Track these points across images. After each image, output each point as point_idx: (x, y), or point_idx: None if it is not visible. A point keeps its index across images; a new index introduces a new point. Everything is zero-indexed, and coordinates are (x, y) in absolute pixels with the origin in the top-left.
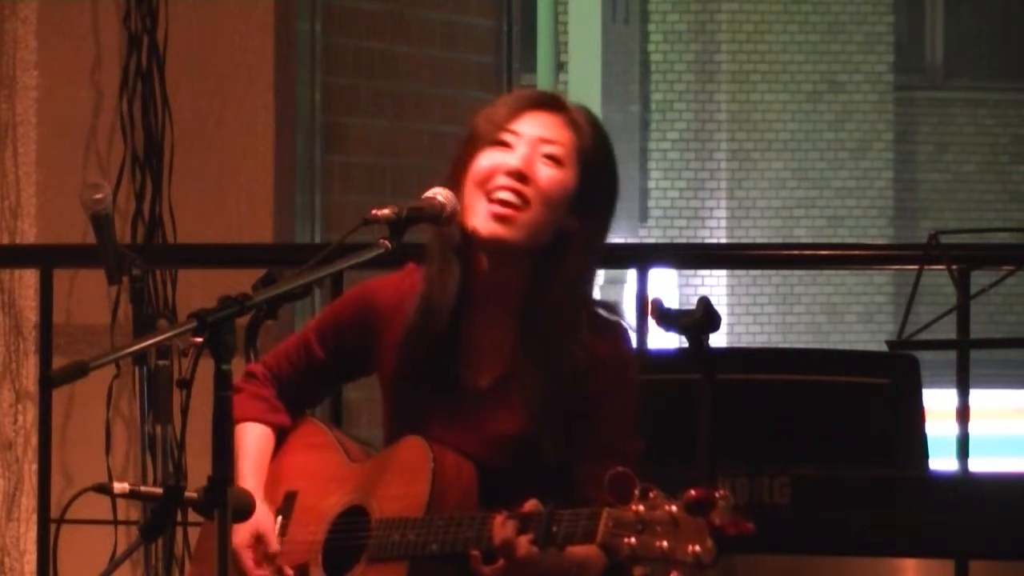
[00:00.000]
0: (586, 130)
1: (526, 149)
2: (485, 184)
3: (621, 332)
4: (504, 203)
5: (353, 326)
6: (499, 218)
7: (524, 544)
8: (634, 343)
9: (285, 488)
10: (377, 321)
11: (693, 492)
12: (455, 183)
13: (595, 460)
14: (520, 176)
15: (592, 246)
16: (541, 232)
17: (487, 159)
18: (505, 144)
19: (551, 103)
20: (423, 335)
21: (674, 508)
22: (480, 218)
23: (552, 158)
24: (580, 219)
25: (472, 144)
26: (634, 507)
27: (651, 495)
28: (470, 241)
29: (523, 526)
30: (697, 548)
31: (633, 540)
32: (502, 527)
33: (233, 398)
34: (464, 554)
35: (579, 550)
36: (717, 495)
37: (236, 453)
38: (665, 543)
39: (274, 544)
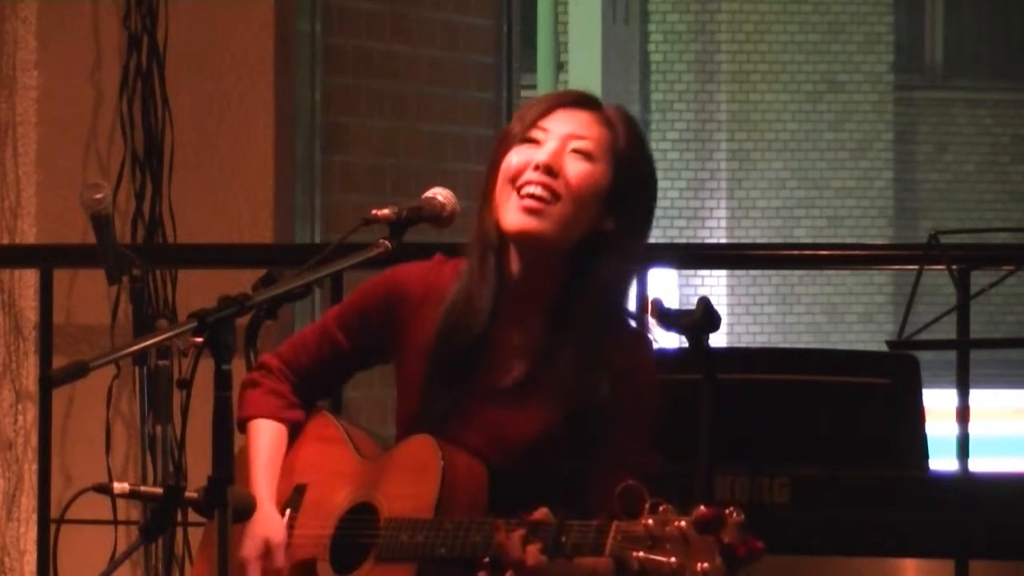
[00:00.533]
0: (620, 128)
1: (555, 144)
2: (515, 180)
3: (648, 345)
4: (533, 196)
5: (379, 315)
6: (528, 211)
7: (534, 553)
8: (656, 357)
9: (295, 480)
10: (404, 311)
11: (703, 509)
12: (490, 182)
13: (608, 472)
14: (548, 170)
15: (628, 249)
16: (572, 228)
17: (516, 156)
18: (535, 141)
19: (584, 101)
20: (458, 336)
21: (684, 524)
22: (510, 213)
23: (582, 153)
24: (616, 219)
25: (505, 143)
26: (644, 521)
27: (661, 509)
28: (503, 239)
29: (531, 534)
30: (706, 565)
31: (642, 554)
32: (507, 539)
33: (248, 392)
34: (472, 559)
35: (589, 560)
36: (727, 513)
37: (249, 452)
38: (674, 559)
39: (280, 558)
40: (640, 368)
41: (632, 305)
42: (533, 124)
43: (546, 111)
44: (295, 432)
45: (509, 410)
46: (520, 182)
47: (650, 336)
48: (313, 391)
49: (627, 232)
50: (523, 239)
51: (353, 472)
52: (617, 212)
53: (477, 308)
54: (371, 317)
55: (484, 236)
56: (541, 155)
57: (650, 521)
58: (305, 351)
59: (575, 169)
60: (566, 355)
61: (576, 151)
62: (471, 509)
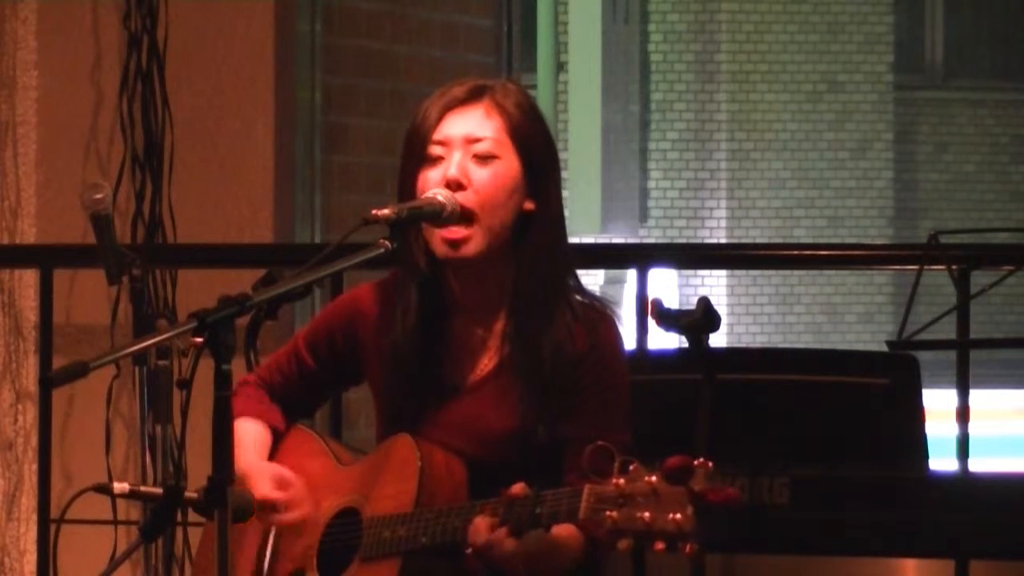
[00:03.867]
0: (512, 110)
1: (457, 156)
2: None
3: (610, 324)
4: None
5: (342, 334)
6: (451, 240)
7: (500, 537)
8: (623, 334)
9: None
10: (365, 329)
11: (671, 460)
12: (405, 198)
13: (580, 450)
14: (457, 184)
15: (553, 219)
16: (497, 230)
17: (424, 182)
18: (436, 158)
19: (470, 96)
20: (399, 354)
21: (654, 479)
22: (436, 243)
23: (484, 156)
24: (535, 198)
25: (410, 163)
26: (615, 481)
27: (631, 468)
28: (436, 260)
29: (506, 512)
30: (678, 516)
31: (615, 514)
32: (476, 531)
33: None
34: (455, 544)
35: (561, 533)
36: (696, 463)
37: (235, 441)
38: (647, 514)
39: (294, 483)
40: (603, 344)
41: (578, 281)
42: (428, 138)
43: (438, 119)
44: (275, 442)
45: (483, 404)
46: None
47: (611, 312)
48: (289, 408)
49: (547, 205)
50: (456, 263)
51: (334, 481)
52: (535, 191)
53: (404, 337)
54: (335, 337)
55: (411, 262)
56: (449, 171)
57: (621, 480)
58: (279, 370)
59: (480, 178)
60: (529, 342)
61: (477, 156)
62: (450, 503)
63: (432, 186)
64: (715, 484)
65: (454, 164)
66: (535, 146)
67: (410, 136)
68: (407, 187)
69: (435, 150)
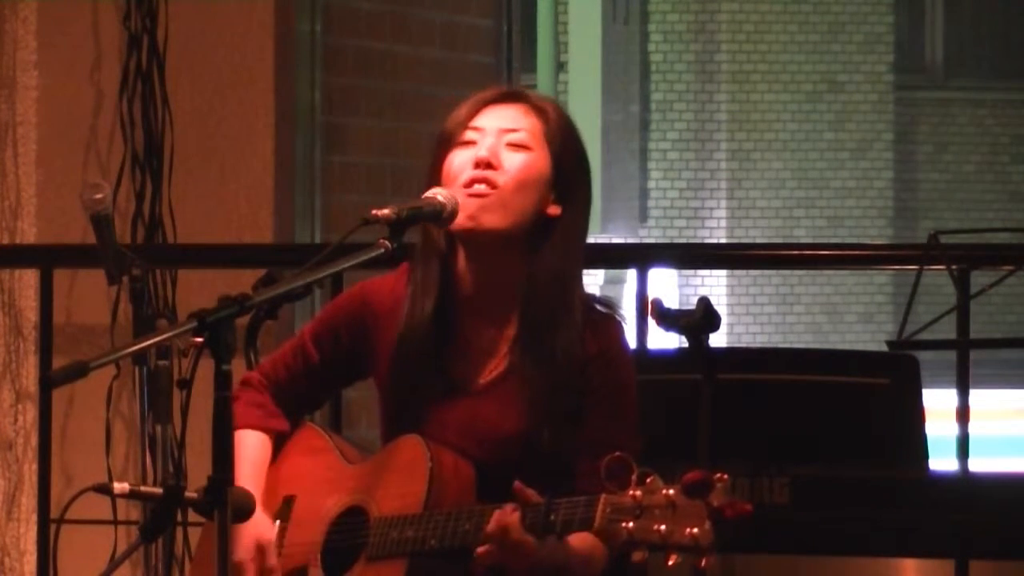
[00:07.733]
0: (551, 115)
1: (491, 140)
2: (456, 182)
3: (618, 328)
4: (476, 195)
5: (349, 329)
6: (475, 207)
7: (517, 527)
8: (631, 339)
9: (283, 493)
10: (373, 323)
11: (691, 475)
12: (432, 187)
13: (593, 456)
14: (488, 165)
15: (575, 230)
16: (519, 217)
17: (456, 159)
18: (470, 142)
19: (511, 95)
20: (412, 340)
21: (671, 492)
22: (458, 212)
23: (517, 145)
24: (560, 204)
25: (441, 148)
26: (632, 492)
27: (648, 480)
28: (453, 242)
29: (522, 514)
30: (695, 530)
31: (631, 525)
32: (508, 529)
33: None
34: (464, 548)
35: (582, 546)
36: (715, 477)
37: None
38: (663, 527)
39: (272, 557)
40: (611, 349)
41: (583, 287)
42: (465, 126)
43: (476, 110)
44: (280, 442)
45: (490, 407)
46: (463, 181)
47: (619, 317)
48: (294, 405)
49: (573, 213)
50: (474, 235)
51: (341, 478)
52: (561, 196)
53: (420, 320)
54: (341, 332)
55: (431, 242)
56: (480, 152)
57: (638, 492)
58: (283, 366)
59: (514, 160)
60: (541, 347)
61: (511, 144)
62: (459, 506)
63: (459, 165)
64: (733, 499)
65: (485, 146)
66: (568, 153)
67: (441, 133)
68: (435, 171)
69: (468, 135)
